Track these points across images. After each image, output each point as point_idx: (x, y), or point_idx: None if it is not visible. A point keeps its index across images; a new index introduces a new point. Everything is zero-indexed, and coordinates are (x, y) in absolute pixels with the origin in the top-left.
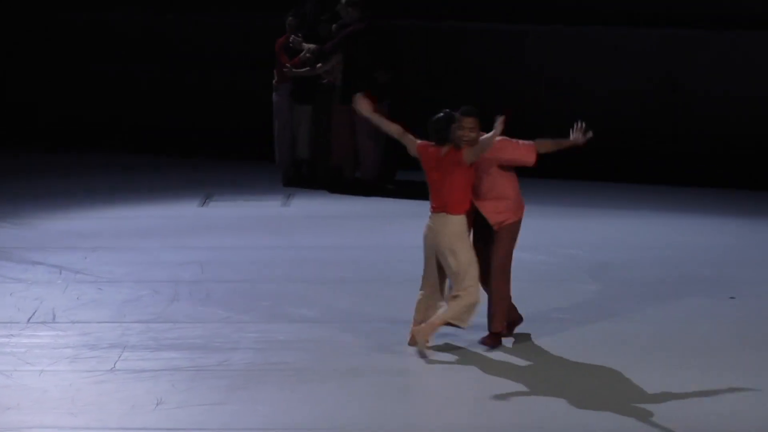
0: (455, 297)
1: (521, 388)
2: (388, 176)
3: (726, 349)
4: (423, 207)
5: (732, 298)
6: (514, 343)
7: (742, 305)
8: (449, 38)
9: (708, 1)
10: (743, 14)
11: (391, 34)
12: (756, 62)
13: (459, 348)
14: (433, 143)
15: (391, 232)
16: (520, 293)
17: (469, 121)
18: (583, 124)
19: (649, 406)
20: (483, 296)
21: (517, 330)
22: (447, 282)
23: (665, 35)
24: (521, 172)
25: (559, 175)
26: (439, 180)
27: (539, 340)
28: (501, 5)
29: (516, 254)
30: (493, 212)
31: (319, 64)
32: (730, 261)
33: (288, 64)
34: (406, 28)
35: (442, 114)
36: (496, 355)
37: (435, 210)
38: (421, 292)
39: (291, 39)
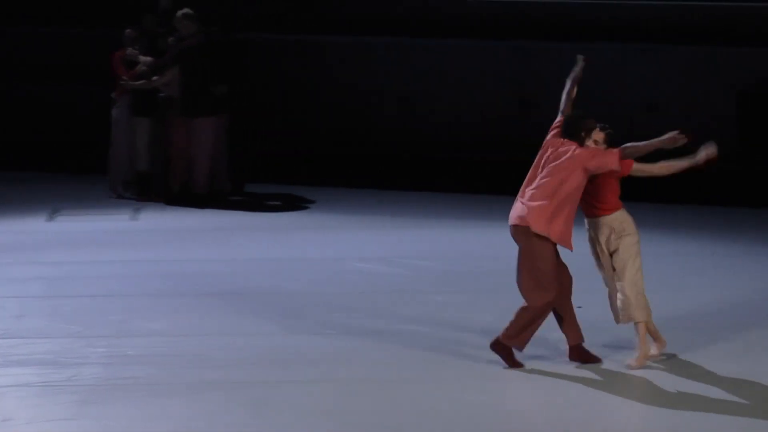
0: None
1: (379, 397)
2: (238, 188)
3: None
4: (273, 219)
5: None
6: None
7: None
8: (297, 50)
9: (556, 12)
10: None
11: (231, 47)
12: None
13: (319, 359)
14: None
15: (239, 246)
16: (377, 304)
17: None
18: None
19: None
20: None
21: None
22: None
23: (512, 47)
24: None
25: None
26: None
27: (391, 349)
28: (346, 19)
29: (372, 267)
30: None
31: (154, 77)
32: None
33: (124, 77)
34: (253, 41)
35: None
36: (357, 364)
37: None
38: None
39: (127, 51)
